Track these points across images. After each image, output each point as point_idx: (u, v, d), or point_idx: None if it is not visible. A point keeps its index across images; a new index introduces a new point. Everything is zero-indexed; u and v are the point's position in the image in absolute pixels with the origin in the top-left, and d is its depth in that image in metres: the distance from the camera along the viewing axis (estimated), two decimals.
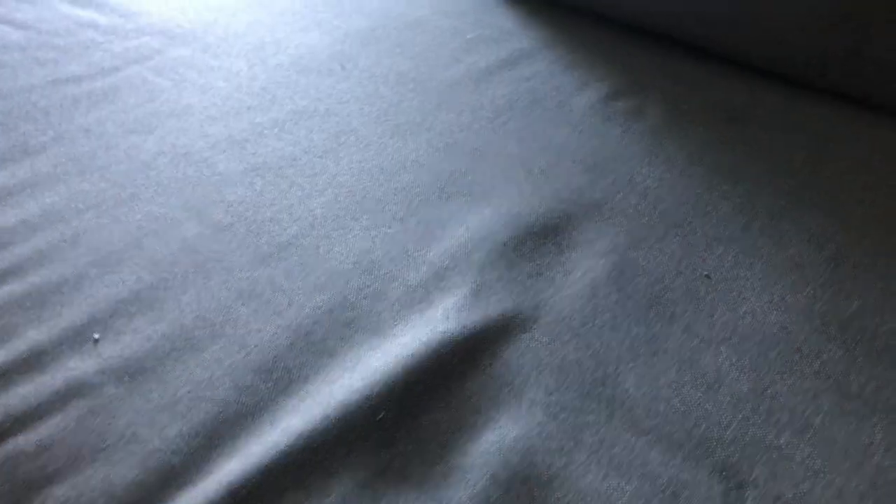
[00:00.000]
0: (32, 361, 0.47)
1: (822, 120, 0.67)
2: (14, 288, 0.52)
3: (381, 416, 0.43)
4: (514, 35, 0.78)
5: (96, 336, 0.48)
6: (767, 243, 0.54)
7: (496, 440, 0.42)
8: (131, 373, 0.46)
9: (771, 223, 0.56)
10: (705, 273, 0.52)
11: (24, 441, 0.43)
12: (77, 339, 0.48)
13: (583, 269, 0.53)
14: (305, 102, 0.69)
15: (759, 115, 0.67)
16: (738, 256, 0.53)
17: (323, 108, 0.68)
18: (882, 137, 0.65)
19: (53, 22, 0.81)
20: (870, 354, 0.47)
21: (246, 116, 0.67)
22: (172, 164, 0.62)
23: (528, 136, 0.64)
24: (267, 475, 0.40)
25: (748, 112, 0.68)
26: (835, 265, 0.53)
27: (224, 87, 0.71)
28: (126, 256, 0.53)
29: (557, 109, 0.68)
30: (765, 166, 0.61)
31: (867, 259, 0.53)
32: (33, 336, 0.48)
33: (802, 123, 0.66)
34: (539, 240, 0.55)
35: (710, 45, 0.74)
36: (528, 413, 0.44)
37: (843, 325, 0.49)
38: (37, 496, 0.40)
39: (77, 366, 0.46)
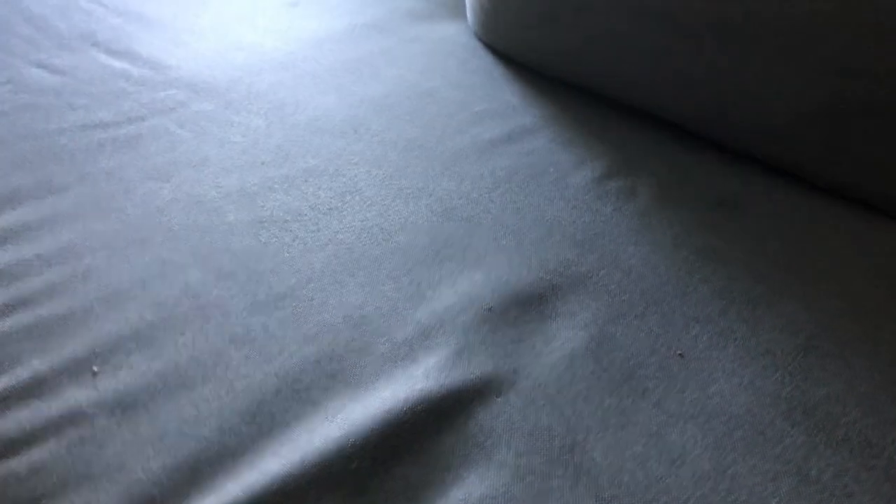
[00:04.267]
0: (33, 389, 0.50)
1: (807, 211, 0.69)
2: (23, 318, 0.55)
3: (354, 465, 0.45)
4: (519, 111, 0.82)
5: (95, 369, 0.51)
6: (742, 327, 0.56)
7: (462, 497, 0.44)
8: (124, 406, 0.48)
9: (747, 308, 0.58)
10: (679, 352, 0.54)
11: (16, 464, 0.45)
12: (77, 370, 0.51)
13: (562, 339, 0.55)
14: (316, 161, 0.73)
15: (746, 202, 0.70)
16: (713, 338, 0.56)
17: (332, 168, 0.72)
18: (862, 232, 0.67)
19: (89, 70, 0.86)
20: (831, 442, 0.48)
21: (259, 171, 0.71)
22: (185, 211, 0.65)
23: (524, 207, 0.68)
24: None
25: (736, 198, 0.71)
26: (805, 353, 0.55)
27: (241, 141, 0.75)
28: (131, 295, 0.56)
29: (553, 185, 0.71)
30: (746, 253, 0.64)
31: (837, 350, 0.55)
32: (36, 365, 0.51)
33: (787, 213, 0.69)
34: (524, 307, 0.57)
35: (703, 132, 0.78)
36: (497, 474, 0.46)
37: (808, 411, 0.51)
38: None
39: (74, 396, 0.49)
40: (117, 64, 0.88)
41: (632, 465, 0.46)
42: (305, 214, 0.66)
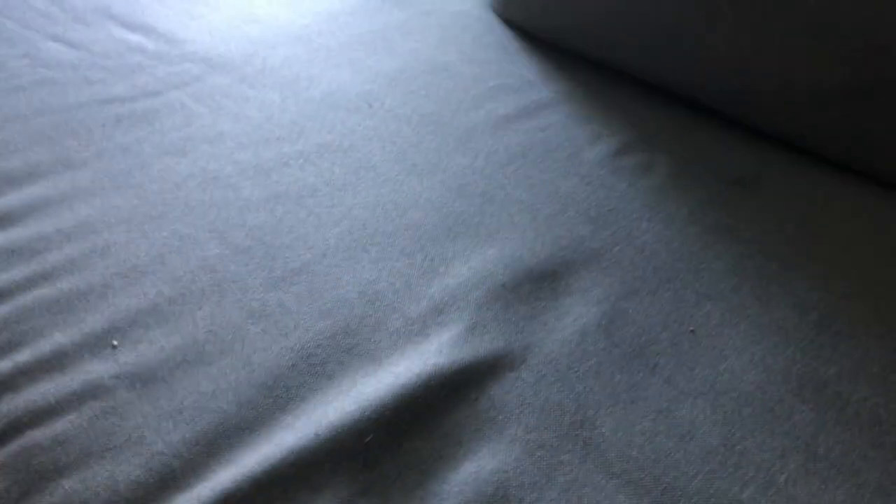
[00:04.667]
0: (54, 362, 0.51)
1: (825, 190, 0.69)
2: (45, 292, 0.56)
3: (368, 439, 0.46)
4: (535, 85, 0.82)
5: (115, 343, 0.52)
6: (754, 305, 0.57)
7: (474, 471, 0.45)
8: (143, 379, 0.50)
9: (760, 285, 0.58)
10: (691, 328, 0.55)
11: (40, 435, 0.47)
12: (97, 344, 0.52)
13: (574, 315, 0.55)
14: (331, 137, 0.73)
15: (762, 180, 0.70)
16: (725, 315, 0.56)
17: (347, 143, 0.72)
18: (880, 212, 0.67)
19: (104, 44, 0.87)
20: (840, 419, 0.49)
21: (274, 146, 0.71)
22: (201, 186, 0.66)
23: (538, 183, 0.68)
24: (257, 486, 0.43)
25: (752, 176, 0.71)
26: (817, 331, 0.55)
27: (256, 116, 0.76)
28: (150, 270, 0.57)
29: (568, 160, 0.71)
30: (761, 231, 0.63)
31: (848, 328, 0.55)
32: (58, 339, 0.52)
33: (804, 192, 0.69)
34: (537, 283, 0.58)
35: (721, 109, 0.77)
36: (507, 448, 0.46)
37: (818, 389, 0.51)
38: (47, 486, 0.44)
39: (95, 369, 0.50)
40: (133, 37, 0.88)
41: (641, 441, 0.47)
42: (320, 190, 0.66)
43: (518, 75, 0.84)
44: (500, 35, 0.93)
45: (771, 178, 0.71)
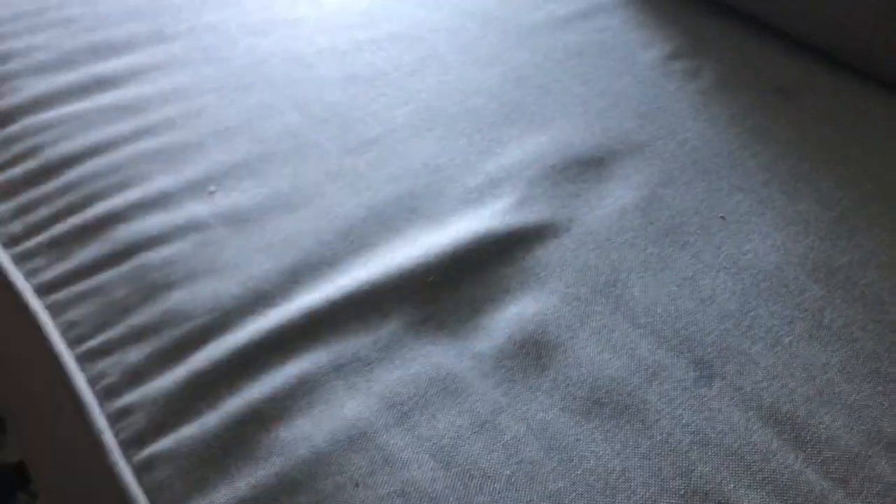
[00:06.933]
0: (161, 201, 0.59)
1: (863, 103, 0.73)
2: (149, 144, 0.64)
3: (430, 279, 0.53)
4: None
5: (212, 189, 0.60)
6: (781, 198, 0.62)
7: (518, 311, 0.52)
8: (237, 220, 0.57)
9: (789, 182, 0.63)
10: (721, 215, 0.60)
11: (153, 256, 0.55)
12: (197, 188, 0.60)
13: (615, 197, 0.61)
14: (401, 27, 0.79)
15: (804, 90, 0.74)
16: (754, 205, 0.61)
17: (415, 33, 0.78)
18: None
19: None
20: (847, 297, 0.55)
21: (348, 32, 0.77)
22: (283, 63, 0.72)
23: (592, 80, 0.73)
24: (335, 307, 0.51)
25: (795, 87, 0.75)
26: (837, 223, 0.60)
27: (333, 4, 0.81)
28: (240, 132, 0.65)
29: (622, 61, 0.76)
30: (797, 134, 0.68)
31: (867, 223, 0.60)
32: (163, 181, 0.60)
33: (842, 104, 0.72)
34: (583, 167, 0.64)
35: (770, 21, 0.80)
36: (548, 298, 0.54)
37: (831, 272, 0.57)
38: (160, 294, 0.52)
39: (195, 209, 0.58)
40: None
41: (666, 300, 0.54)
42: (390, 74, 0.72)
43: None
44: None
45: (813, 88, 0.74)
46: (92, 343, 0.51)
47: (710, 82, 0.74)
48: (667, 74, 0.74)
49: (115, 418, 0.48)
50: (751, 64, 0.77)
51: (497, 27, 0.79)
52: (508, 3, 0.83)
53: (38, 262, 0.57)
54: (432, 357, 0.49)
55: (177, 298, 0.52)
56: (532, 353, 0.50)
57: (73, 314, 0.52)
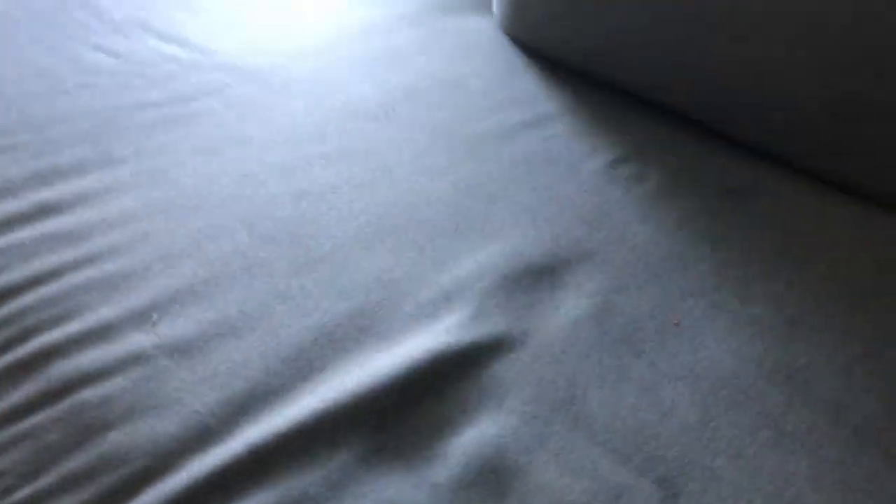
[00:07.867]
0: (102, 333, 0.57)
1: (812, 205, 0.74)
2: (92, 273, 0.62)
3: (382, 405, 0.51)
4: (539, 99, 0.88)
5: (155, 317, 0.58)
6: (734, 301, 0.62)
7: (476, 435, 0.50)
8: (181, 350, 0.55)
9: (741, 285, 0.64)
10: (675, 321, 0.60)
11: (89, 394, 0.52)
12: (139, 318, 0.58)
13: (569, 306, 0.61)
14: (351, 142, 0.79)
15: (749, 192, 0.76)
16: (707, 309, 0.61)
17: (365, 147, 0.78)
18: (863, 226, 0.72)
19: (142, 53, 0.93)
20: (807, 402, 0.54)
21: (298, 149, 0.78)
22: (232, 182, 0.72)
23: (539, 188, 0.74)
24: (282, 441, 0.49)
25: (742, 189, 0.76)
26: (791, 326, 0.60)
27: (282, 122, 0.82)
28: (186, 255, 0.63)
29: (568, 169, 0.77)
30: (747, 237, 0.69)
31: (821, 323, 0.60)
32: (104, 313, 0.58)
33: (791, 206, 0.74)
34: (535, 277, 0.63)
35: (715, 125, 0.83)
36: (506, 417, 0.52)
37: (790, 376, 0.56)
38: (96, 437, 0.50)
39: (137, 339, 0.56)
40: (167, 48, 0.95)
41: (625, 415, 0.52)
42: (341, 188, 0.72)
43: (524, 89, 0.90)
44: (509, 52, 1.00)
45: (759, 190, 0.76)
46: (19, 495, 0.47)
47: (655, 186, 0.75)
48: (612, 181, 0.76)
49: None
50: (697, 167, 0.79)
51: (446, 139, 0.80)
52: (457, 116, 0.84)
53: None
54: (386, 491, 0.47)
55: (113, 440, 0.49)
56: (491, 480, 0.48)
57: (1, 463, 0.49)
